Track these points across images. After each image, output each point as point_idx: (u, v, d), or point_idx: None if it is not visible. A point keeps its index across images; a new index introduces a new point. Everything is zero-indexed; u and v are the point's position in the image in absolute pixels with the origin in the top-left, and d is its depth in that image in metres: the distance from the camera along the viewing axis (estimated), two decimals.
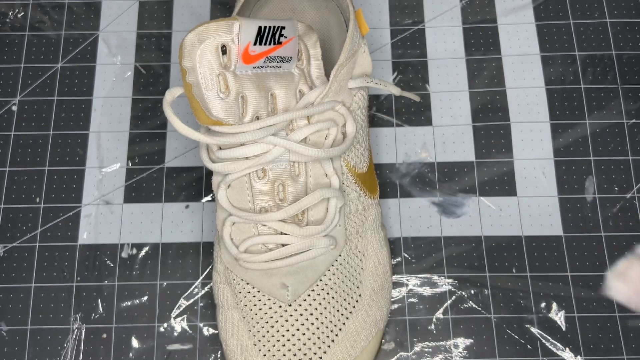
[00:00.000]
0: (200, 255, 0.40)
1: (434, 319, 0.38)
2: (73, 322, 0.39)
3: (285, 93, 0.31)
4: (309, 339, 0.32)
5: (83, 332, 0.38)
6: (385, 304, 0.36)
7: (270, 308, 0.33)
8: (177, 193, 0.41)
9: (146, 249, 0.40)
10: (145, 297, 0.39)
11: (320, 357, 0.32)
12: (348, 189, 0.34)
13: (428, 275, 0.39)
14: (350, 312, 0.34)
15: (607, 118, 0.42)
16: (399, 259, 0.40)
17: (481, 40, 0.44)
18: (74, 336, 0.38)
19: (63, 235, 0.40)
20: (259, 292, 0.33)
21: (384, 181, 0.41)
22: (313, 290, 0.33)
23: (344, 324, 0.33)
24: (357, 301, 0.34)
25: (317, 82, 0.32)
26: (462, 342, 0.38)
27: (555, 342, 0.38)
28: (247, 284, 0.34)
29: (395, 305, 0.39)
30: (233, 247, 0.33)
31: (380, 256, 0.36)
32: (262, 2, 0.38)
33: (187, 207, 0.41)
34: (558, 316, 0.38)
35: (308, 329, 0.33)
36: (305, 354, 0.32)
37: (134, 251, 0.40)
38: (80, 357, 0.38)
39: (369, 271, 0.35)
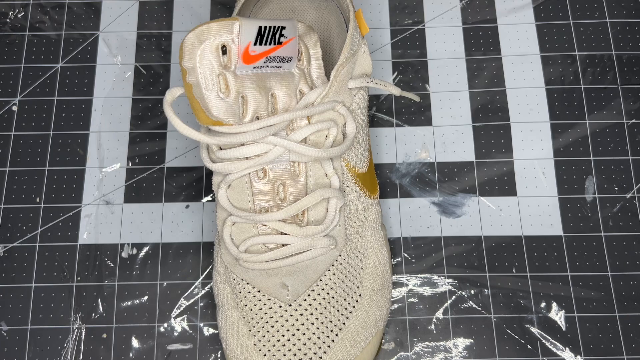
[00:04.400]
0: (200, 255, 0.40)
1: (434, 319, 0.38)
2: (73, 322, 0.39)
3: (286, 93, 0.31)
4: (309, 339, 0.32)
5: (83, 332, 0.38)
6: (385, 304, 0.36)
7: (271, 308, 0.33)
8: (177, 193, 0.41)
9: (146, 249, 0.40)
10: (146, 297, 0.39)
11: (321, 357, 0.32)
12: (348, 189, 0.34)
13: (428, 275, 0.39)
14: (350, 312, 0.34)
15: (607, 118, 0.42)
16: (399, 259, 0.40)
17: (481, 40, 0.44)
18: (74, 336, 0.38)
19: (63, 235, 0.40)
20: (259, 292, 0.33)
21: (384, 181, 0.41)
22: (313, 290, 0.33)
23: (344, 323, 0.33)
24: (357, 301, 0.34)
25: (317, 82, 0.32)
26: (462, 342, 0.38)
27: (555, 342, 0.38)
28: (248, 283, 0.34)
29: (395, 305, 0.39)
30: (233, 247, 0.33)
31: (380, 256, 0.36)
32: (262, 3, 0.38)
33: (187, 207, 0.41)
34: (558, 316, 0.38)
35: (308, 328, 0.33)
36: (305, 354, 0.32)
37: (134, 251, 0.40)
38: (80, 357, 0.38)
39: (369, 271, 0.35)
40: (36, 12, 0.46)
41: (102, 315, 0.39)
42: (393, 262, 0.40)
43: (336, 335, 0.33)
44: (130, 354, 0.38)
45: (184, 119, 0.43)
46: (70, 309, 0.39)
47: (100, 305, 0.39)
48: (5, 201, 0.41)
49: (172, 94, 0.30)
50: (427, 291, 0.39)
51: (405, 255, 0.40)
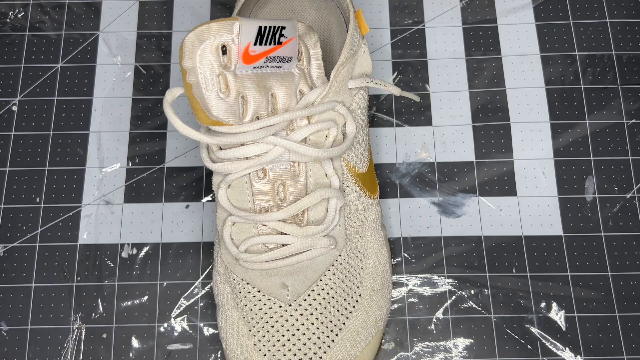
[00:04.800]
0: (200, 255, 0.40)
1: (434, 319, 0.38)
2: (73, 322, 0.39)
3: (286, 93, 0.31)
4: (309, 339, 0.32)
5: (83, 332, 0.38)
6: (385, 304, 0.36)
7: (271, 308, 0.33)
8: (177, 193, 0.41)
9: (146, 249, 0.40)
10: (146, 297, 0.39)
11: (321, 357, 0.32)
12: (348, 189, 0.34)
13: (428, 275, 0.39)
14: (350, 312, 0.34)
15: (607, 118, 0.42)
16: (399, 259, 0.40)
17: (481, 40, 0.44)
18: (74, 336, 0.38)
19: (63, 235, 0.40)
20: (259, 292, 0.33)
21: (384, 181, 0.41)
22: (313, 290, 0.33)
23: (344, 323, 0.33)
24: (357, 301, 0.34)
25: (317, 82, 0.32)
26: (462, 342, 0.38)
27: (555, 342, 0.38)
28: (248, 283, 0.34)
29: (395, 305, 0.39)
30: (233, 247, 0.33)
31: (380, 256, 0.36)
32: (262, 2, 0.38)
33: (187, 207, 0.41)
34: (558, 316, 0.38)
35: (308, 328, 0.33)
36: (305, 354, 0.32)
37: (134, 251, 0.40)
38: (80, 357, 0.38)
39: (369, 271, 0.35)
40: (36, 12, 0.46)
41: (102, 315, 0.39)
42: (393, 262, 0.39)
43: (336, 335, 0.33)
44: (130, 354, 0.38)
45: (184, 119, 0.43)
46: (70, 309, 0.39)
47: (100, 305, 0.39)
48: (5, 201, 0.41)
49: (172, 94, 0.30)
50: (427, 291, 0.39)
51: (405, 255, 0.40)
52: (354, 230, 0.35)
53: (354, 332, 0.33)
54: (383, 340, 0.38)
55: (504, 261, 0.39)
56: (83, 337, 0.38)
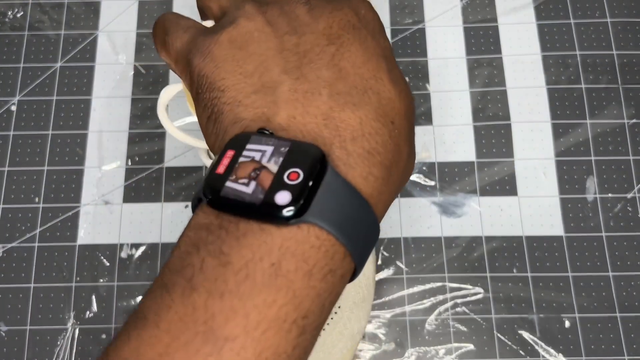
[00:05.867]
0: None
1: (434, 320, 0.38)
2: (72, 323, 0.38)
3: None
4: None
5: (82, 333, 0.38)
6: (364, 317, 0.35)
7: None
8: (176, 193, 0.41)
9: (145, 248, 0.40)
10: None
11: None
12: None
13: (428, 276, 0.39)
14: (328, 324, 0.33)
15: (607, 118, 0.42)
16: (399, 259, 0.39)
17: (481, 40, 0.44)
18: (72, 336, 0.38)
19: (62, 235, 0.40)
20: None
21: None
22: None
23: (320, 335, 0.33)
24: (335, 312, 0.33)
25: None
26: (462, 342, 0.38)
27: (556, 343, 0.37)
28: None
29: (396, 306, 0.38)
30: None
31: (365, 268, 0.35)
32: None
33: (186, 207, 0.41)
34: (559, 317, 0.38)
35: None
36: None
37: (133, 251, 0.40)
38: (79, 358, 0.38)
39: (351, 283, 0.34)
40: (35, 11, 0.46)
41: (101, 316, 0.39)
42: (393, 263, 0.39)
43: None
44: None
45: (184, 117, 0.43)
46: (69, 309, 0.39)
47: (99, 306, 0.39)
48: (4, 201, 0.41)
49: (168, 93, 0.30)
50: (427, 291, 0.39)
51: (406, 255, 0.40)
52: None
53: (329, 345, 0.33)
54: (383, 341, 0.38)
55: (504, 261, 0.39)
56: (82, 337, 0.38)
